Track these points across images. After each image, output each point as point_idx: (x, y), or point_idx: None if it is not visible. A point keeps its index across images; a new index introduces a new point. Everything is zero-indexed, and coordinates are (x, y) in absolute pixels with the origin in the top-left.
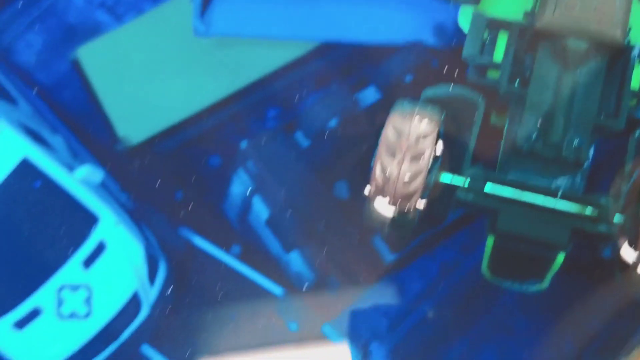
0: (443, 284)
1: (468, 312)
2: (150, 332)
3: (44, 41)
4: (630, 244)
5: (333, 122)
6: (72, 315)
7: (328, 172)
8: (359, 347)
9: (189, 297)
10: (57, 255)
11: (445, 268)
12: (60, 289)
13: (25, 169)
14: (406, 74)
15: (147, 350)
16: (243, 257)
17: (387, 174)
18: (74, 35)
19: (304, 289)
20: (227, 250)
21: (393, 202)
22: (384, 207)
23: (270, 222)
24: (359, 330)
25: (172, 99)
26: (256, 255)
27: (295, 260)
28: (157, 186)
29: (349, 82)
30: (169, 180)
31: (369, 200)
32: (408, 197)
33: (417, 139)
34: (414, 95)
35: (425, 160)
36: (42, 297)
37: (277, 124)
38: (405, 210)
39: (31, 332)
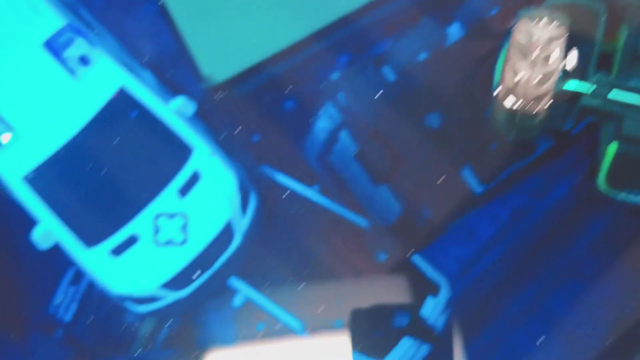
0: (514, 229)
1: (539, 257)
2: (241, 262)
3: None
4: None
5: (422, 56)
6: (168, 243)
7: (418, 105)
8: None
9: (276, 230)
10: (153, 185)
11: (516, 214)
12: (157, 217)
13: (123, 98)
14: (491, 9)
15: (235, 281)
16: (324, 194)
17: (518, 76)
18: None
19: (392, 221)
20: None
21: (522, 104)
22: (512, 109)
23: (359, 156)
24: (444, 261)
25: (256, 38)
26: (338, 191)
27: (383, 193)
28: (236, 127)
29: (436, 17)
30: (247, 122)
31: (497, 102)
32: (538, 99)
33: (548, 41)
34: (499, 31)
35: (556, 63)
36: (139, 224)
37: (364, 59)
38: (533, 113)
39: (127, 259)
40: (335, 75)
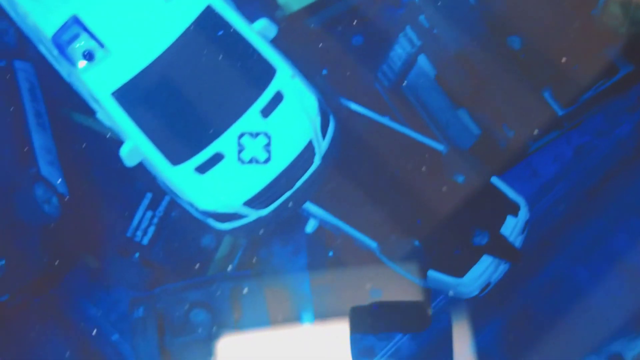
0: (578, 168)
1: (601, 196)
2: (320, 184)
3: None
4: None
5: None
6: (252, 161)
7: (500, 26)
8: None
9: (353, 154)
10: (238, 104)
11: (579, 152)
12: (241, 135)
13: (209, 16)
14: None
15: (310, 205)
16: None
17: None
18: None
19: (470, 144)
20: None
21: None
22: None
23: (438, 79)
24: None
25: None
26: (413, 119)
27: (463, 116)
28: (307, 56)
29: None
30: (316, 54)
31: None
32: None
33: None
34: None
35: None
36: (224, 143)
37: None
38: None
39: (213, 177)
40: None
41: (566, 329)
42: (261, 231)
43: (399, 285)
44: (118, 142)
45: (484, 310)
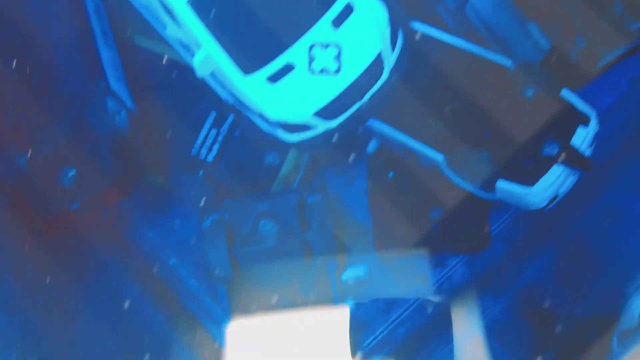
0: (633, 98)
1: None
2: (387, 98)
3: None
4: None
5: None
6: (323, 71)
7: None
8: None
9: (419, 70)
10: (309, 15)
11: (635, 83)
12: (312, 46)
13: None
14: None
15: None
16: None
17: None
18: None
19: (540, 58)
20: None
21: None
22: None
23: None
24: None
25: None
26: (478, 39)
27: (532, 30)
28: None
29: None
30: None
31: None
32: None
33: None
34: None
35: None
36: (295, 53)
37: None
38: None
39: (283, 86)
40: None
41: (621, 260)
42: (329, 144)
43: (459, 203)
44: (178, 65)
45: (538, 240)
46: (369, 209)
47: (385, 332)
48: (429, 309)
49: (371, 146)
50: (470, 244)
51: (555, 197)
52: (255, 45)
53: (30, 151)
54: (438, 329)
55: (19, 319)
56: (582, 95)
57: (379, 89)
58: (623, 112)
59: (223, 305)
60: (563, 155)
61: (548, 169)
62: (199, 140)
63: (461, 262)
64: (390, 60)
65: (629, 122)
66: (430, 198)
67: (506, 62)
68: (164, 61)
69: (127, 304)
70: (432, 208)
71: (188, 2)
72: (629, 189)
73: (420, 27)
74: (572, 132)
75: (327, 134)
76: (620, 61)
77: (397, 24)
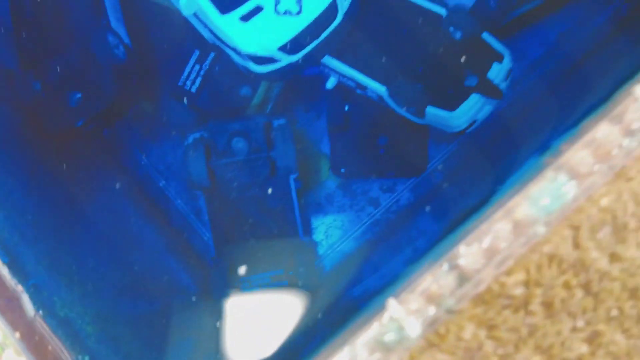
0: (560, 50)
1: (579, 74)
2: (340, 38)
3: None
4: None
5: None
6: (286, 12)
7: None
8: None
9: (370, 15)
10: None
11: (562, 37)
12: None
13: None
14: None
15: (330, 61)
16: None
17: None
18: None
19: (468, 7)
20: None
21: None
22: None
23: None
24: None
25: None
26: None
27: None
28: None
29: None
30: None
31: None
32: None
33: None
34: None
35: None
36: None
37: None
38: None
39: (253, 24)
40: None
41: None
42: (292, 75)
43: (401, 130)
44: (168, 9)
45: (473, 171)
46: (328, 138)
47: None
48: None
49: (329, 83)
50: (412, 166)
51: (474, 122)
52: None
53: (43, 77)
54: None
55: (27, 217)
56: (515, 45)
57: (333, 29)
58: (550, 62)
59: (204, 214)
60: (480, 86)
61: (467, 97)
62: (185, 74)
63: (407, 187)
64: (343, 4)
65: (555, 69)
66: (378, 127)
67: (441, 10)
68: (157, 6)
69: (121, 220)
70: (380, 135)
71: None
72: (555, 128)
73: None
74: (488, 68)
75: (291, 66)
76: (547, 16)
77: None
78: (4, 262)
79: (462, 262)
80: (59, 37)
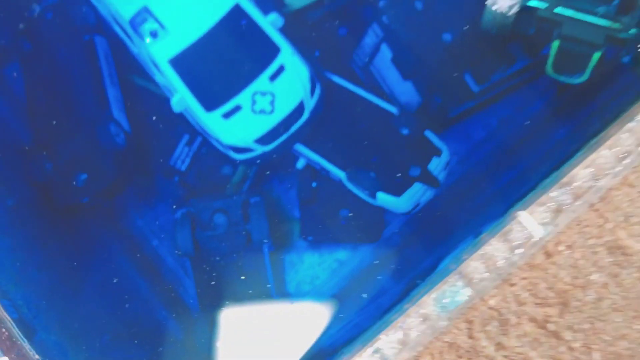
0: (501, 133)
1: (517, 153)
2: (308, 131)
3: None
4: None
5: None
6: (261, 112)
7: (438, 25)
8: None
9: (332, 111)
10: (253, 72)
11: (503, 122)
12: (254, 94)
13: (237, 11)
14: None
15: (299, 146)
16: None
17: None
18: None
19: (415, 108)
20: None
21: (501, 9)
22: (495, 11)
23: (393, 60)
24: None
25: None
26: (377, 90)
27: (409, 87)
28: (303, 42)
29: None
30: (311, 40)
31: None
32: (511, 6)
33: None
34: None
35: None
36: (242, 98)
37: None
38: (509, 15)
39: (234, 121)
40: (381, 4)
41: None
42: (266, 161)
43: (360, 206)
44: (164, 99)
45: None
46: (299, 208)
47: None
48: None
49: (299, 164)
50: (368, 235)
51: (417, 205)
52: (215, 92)
53: (54, 159)
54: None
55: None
56: (460, 127)
57: (301, 125)
58: (490, 144)
59: (190, 276)
60: (422, 176)
61: (411, 185)
62: (175, 154)
63: (369, 249)
64: (309, 104)
65: (497, 149)
66: (340, 201)
67: (392, 108)
68: (152, 97)
69: (118, 275)
70: (342, 208)
71: (169, 61)
72: (493, 195)
73: (335, 79)
74: (428, 161)
75: (265, 155)
76: (488, 107)
77: (316, 78)
78: (13, 318)
79: (383, 347)
80: (68, 124)
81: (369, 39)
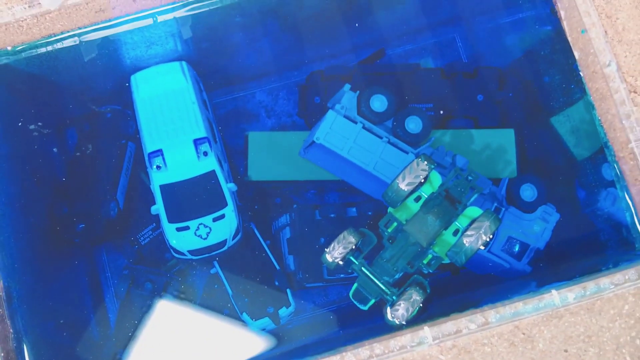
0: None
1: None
2: (224, 256)
3: None
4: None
5: None
6: (199, 236)
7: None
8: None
9: (241, 251)
10: (204, 211)
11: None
12: (200, 224)
13: (211, 174)
14: None
15: (216, 263)
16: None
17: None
18: None
19: (291, 271)
20: None
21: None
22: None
23: (288, 242)
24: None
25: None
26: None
27: (291, 259)
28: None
29: None
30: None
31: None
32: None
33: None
34: None
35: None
36: (191, 223)
37: None
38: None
39: (181, 234)
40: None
41: None
42: (191, 264)
43: None
44: (151, 195)
45: None
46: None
47: None
48: None
49: (212, 270)
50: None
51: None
52: (177, 213)
53: (70, 207)
54: None
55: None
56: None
57: (219, 252)
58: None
59: (115, 313)
60: (273, 319)
61: (263, 318)
62: (142, 233)
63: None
64: (230, 243)
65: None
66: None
67: (277, 265)
68: (146, 190)
69: (76, 281)
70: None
71: (160, 186)
72: None
73: (254, 229)
74: (280, 308)
75: (191, 260)
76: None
77: (240, 228)
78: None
79: None
80: (86, 190)
81: (284, 219)
